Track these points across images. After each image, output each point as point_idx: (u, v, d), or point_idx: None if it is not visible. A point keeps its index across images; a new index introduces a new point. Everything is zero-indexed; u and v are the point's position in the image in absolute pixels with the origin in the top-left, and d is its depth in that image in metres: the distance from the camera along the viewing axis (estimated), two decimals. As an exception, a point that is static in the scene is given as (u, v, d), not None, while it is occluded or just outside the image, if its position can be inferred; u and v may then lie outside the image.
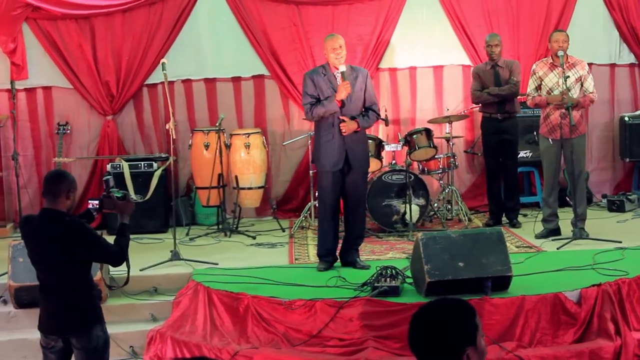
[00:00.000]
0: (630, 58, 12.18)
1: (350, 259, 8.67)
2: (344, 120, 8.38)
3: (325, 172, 8.57)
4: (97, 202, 5.93)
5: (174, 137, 9.29)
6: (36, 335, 5.86)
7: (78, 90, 11.48)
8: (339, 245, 8.83)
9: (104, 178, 6.10)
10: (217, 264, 8.85)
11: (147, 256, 9.18)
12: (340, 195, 8.67)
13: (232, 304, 7.65)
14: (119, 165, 10.82)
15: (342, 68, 8.39)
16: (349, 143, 8.46)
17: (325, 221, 8.68)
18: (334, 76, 8.47)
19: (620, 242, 9.04)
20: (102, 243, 5.65)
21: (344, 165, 8.47)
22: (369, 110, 8.57)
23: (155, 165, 10.96)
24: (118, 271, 7.03)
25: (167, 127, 9.47)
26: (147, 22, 11.44)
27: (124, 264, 5.86)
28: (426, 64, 11.97)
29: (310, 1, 11.64)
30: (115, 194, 5.88)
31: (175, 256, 8.95)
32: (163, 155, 11.24)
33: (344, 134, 8.36)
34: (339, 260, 8.76)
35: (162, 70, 9.24)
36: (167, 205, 10.88)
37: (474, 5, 11.80)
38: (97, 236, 5.64)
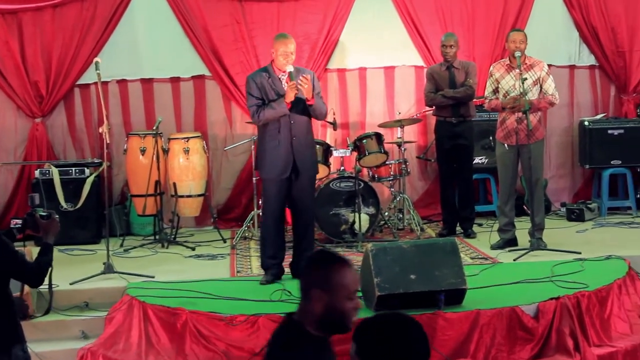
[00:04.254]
0: (590, 59, 12.31)
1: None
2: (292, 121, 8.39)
3: (270, 180, 8.58)
4: (20, 221, 5.84)
5: (108, 142, 9.23)
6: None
7: (4, 90, 11.34)
8: (287, 257, 8.83)
9: (29, 195, 6.03)
10: (153, 277, 8.79)
11: (78, 269, 9.10)
12: (285, 203, 8.68)
13: (169, 319, 7.60)
14: (48, 171, 10.72)
15: (290, 68, 8.38)
16: (297, 147, 8.46)
17: (269, 231, 8.69)
18: (279, 79, 8.47)
19: (580, 253, 9.12)
20: (19, 259, 5.57)
21: (291, 172, 8.47)
22: None
23: (87, 171, 10.88)
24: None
25: (100, 130, 9.40)
26: (79, 18, 11.33)
27: (47, 290, 5.77)
28: (377, 65, 12.01)
29: (255, -3, 11.65)
30: (39, 213, 5.79)
31: (108, 269, 8.86)
32: (96, 161, 11.15)
33: (301, 87, 8.28)
34: (287, 273, 8.75)
35: (96, 69, 9.17)
36: (100, 214, 10.77)
37: (427, 2, 11.86)
38: (14, 251, 5.56)
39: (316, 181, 10.64)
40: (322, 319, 3.92)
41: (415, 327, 3.50)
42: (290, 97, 8.33)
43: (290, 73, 8.37)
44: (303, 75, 8.37)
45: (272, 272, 8.63)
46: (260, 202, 10.64)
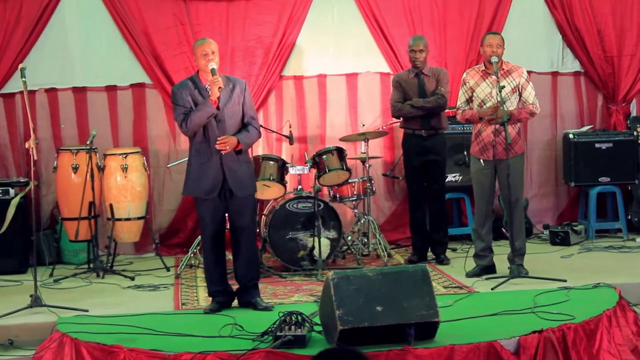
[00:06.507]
0: (574, 65, 12.42)
1: (248, 299, 8.66)
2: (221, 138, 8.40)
3: (200, 199, 8.62)
4: None
5: (35, 158, 9.14)
6: None
7: None
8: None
9: None
10: (87, 310, 8.74)
11: (1, 302, 9.05)
12: (222, 224, 8.71)
13: (106, 358, 7.54)
14: (-32, 192, 10.68)
15: (212, 65, 8.43)
16: (228, 164, 8.48)
17: (208, 255, 8.74)
18: (206, 89, 8.49)
19: (565, 280, 9.17)
20: None
21: (222, 191, 8.50)
22: (247, 126, 8.63)
23: (12, 191, 10.81)
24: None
25: (26, 145, 9.33)
26: (2, 20, 11.30)
27: None
28: (338, 72, 12.06)
29: (200, -4, 11.66)
30: None
31: (36, 302, 8.79)
32: (22, 180, 11.08)
33: (224, 151, 8.36)
34: (236, 301, 8.79)
35: (21, 77, 9.10)
36: (27, 240, 10.68)
37: (393, 2, 11.91)
38: None
39: (271, 202, 10.69)
40: None
41: None
42: (215, 93, 8.37)
43: (212, 70, 8.41)
44: (220, 139, 8.41)
45: (218, 299, 8.67)
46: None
